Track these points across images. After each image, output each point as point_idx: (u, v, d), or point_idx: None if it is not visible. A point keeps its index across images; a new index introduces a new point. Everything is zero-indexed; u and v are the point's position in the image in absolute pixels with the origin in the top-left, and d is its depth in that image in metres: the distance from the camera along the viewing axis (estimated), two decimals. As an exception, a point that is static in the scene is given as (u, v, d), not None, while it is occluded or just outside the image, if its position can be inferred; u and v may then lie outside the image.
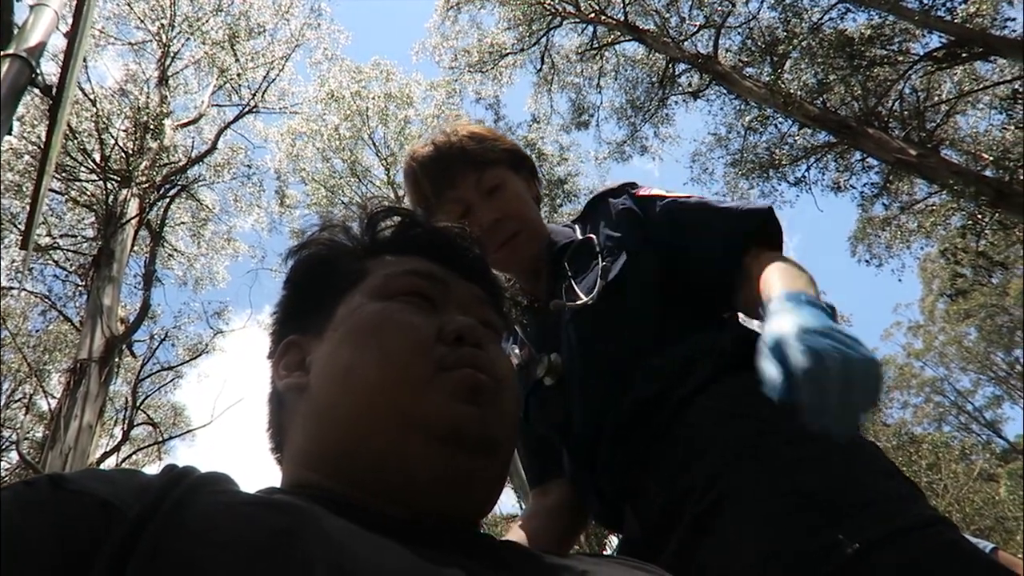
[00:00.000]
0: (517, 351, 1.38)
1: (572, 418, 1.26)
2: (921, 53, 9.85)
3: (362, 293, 0.75)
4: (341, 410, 0.67)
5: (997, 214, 9.09)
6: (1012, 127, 9.50)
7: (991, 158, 9.46)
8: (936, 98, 11.25)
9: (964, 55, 9.10)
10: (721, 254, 1.22)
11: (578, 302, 1.26)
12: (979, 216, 9.48)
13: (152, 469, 0.57)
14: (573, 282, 1.30)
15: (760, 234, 1.22)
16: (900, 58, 10.21)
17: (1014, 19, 9.25)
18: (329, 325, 0.74)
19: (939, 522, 0.89)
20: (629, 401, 1.16)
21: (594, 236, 1.35)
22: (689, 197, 1.32)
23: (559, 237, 1.41)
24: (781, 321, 0.86)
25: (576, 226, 1.42)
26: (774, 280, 1.05)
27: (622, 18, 12.84)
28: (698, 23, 12.55)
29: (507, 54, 14.95)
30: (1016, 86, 9.30)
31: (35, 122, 10.58)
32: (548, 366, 1.29)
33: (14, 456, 13.12)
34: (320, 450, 0.68)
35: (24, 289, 12.24)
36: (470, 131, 1.41)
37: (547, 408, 1.32)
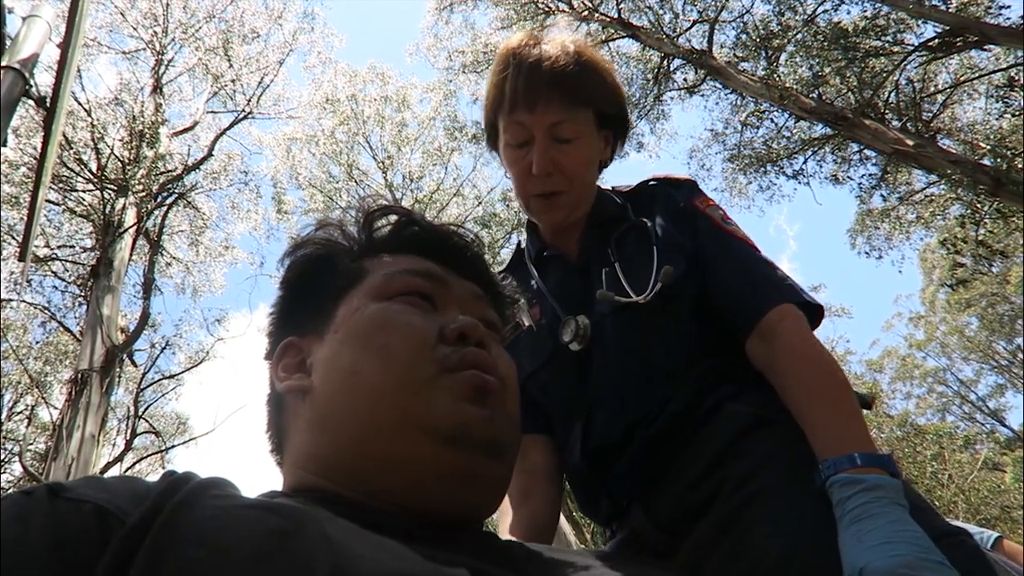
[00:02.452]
0: (527, 309, 1.29)
1: (594, 415, 1.20)
2: (916, 43, 9.83)
3: (362, 293, 0.74)
4: (346, 413, 0.67)
5: (996, 202, 9.08)
6: (1009, 115, 9.49)
7: (988, 147, 9.44)
8: (932, 88, 11.23)
9: (959, 44, 9.08)
10: (740, 311, 1.16)
11: (628, 299, 1.18)
12: (978, 205, 9.46)
13: (155, 478, 0.57)
14: (619, 270, 1.22)
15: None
16: (895, 48, 10.19)
17: (1009, 6, 9.23)
18: (329, 326, 0.74)
19: (962, 532, 0.93)
20: (666, 414, 1.13)
21: (648, 222, 1.27)
22: (743, 240, 1.25)
23: (605, 203, 1.33)
24: (868, 540, 0.83)
25: (628, 204, 1.33)
26: (821, 416, 1.01)
27: (615, 15, 12.83)
28: (692, 18, 12.53)
29: (501, 54, 14.91)
30: (1012, 74, 9.28)
31: (30, 133, 10.57)
32: (576, 330, 1.21)
33: (17, 468, 13.12)
34: (324, 453, 0.68)
35: (23, 301, 12.23)
36: (587, 58, 1.24)
37: (563, 386, 1.25)
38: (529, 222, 1.40)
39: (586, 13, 13.23)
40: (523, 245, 1.44)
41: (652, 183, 1.36)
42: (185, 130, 12.93)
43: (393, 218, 0.84)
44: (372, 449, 0.65)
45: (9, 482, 13.37)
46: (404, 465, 0.63)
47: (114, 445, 12.75)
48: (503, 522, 1.24)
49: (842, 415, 1.00)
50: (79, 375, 8.65)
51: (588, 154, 1.26)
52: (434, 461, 0.63)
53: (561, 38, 1.25)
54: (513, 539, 0.74)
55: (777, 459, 1.00)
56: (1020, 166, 8.42)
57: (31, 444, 14.31)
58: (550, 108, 1.20)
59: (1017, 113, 9.23)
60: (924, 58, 9.90)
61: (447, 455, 0.63)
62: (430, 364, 0.67)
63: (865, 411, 1.13)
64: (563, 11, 13.51)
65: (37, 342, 14.10)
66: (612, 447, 1.18)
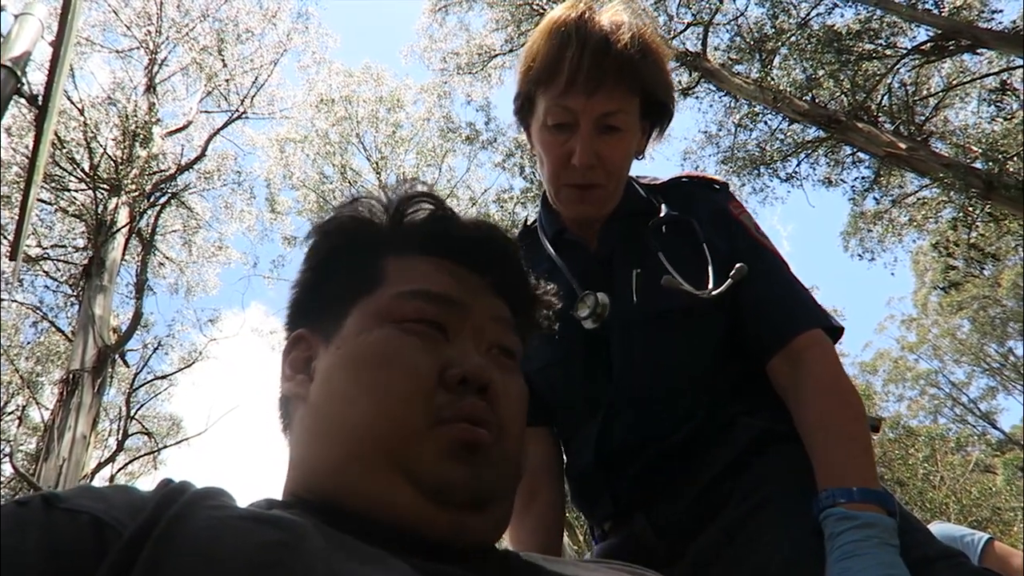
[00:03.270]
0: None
1: (614, 418, 1.17)
2: (909, 47, 9.88)
3: (372, 309, 0.72)
4: (336, 439, 0.66)
5: (988, 206, 9.12)
6: (1000, 119, 9.54)
7: (980, 150, 9.49)
8: (925, 91, 11.28)
9: (952, 48, 9.13)
10: (769, 329, 1.14)
11: (697, 292, 1.11)
12: (970, 208, 9.51)
13: (148, 479, 0.57)
14: (664, 260, 1.14)
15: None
16: (888, 52, 10.24)
17: (1001, 11, 9.35)
18: (337, 334, 0.72)
19: (960, 554, 0.94)
20: (686, 427, 1.12)
21: (692, 220, 1.21)
22: (775, 254, 1.22)
23: (631, 195, 1.26)
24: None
25: (658, 197, 1.26)
26: (829, 447, 1.00)
27: (610, 17, 12.84)
28: (686, 21, 12.55)
29: (496, 55, 14.93)
30: (1004, 78, 9.34)
31: (22, 132, 10.52)
32: (594, 307, 1.14)
33: (7, 468, 13.05)
34: (316, 467, 0.67)
35: (15, 300, 12.16)
36: (649, 40, 1.14)
37: (572, 384, 1.21)
38: (545, 200, 1.31)
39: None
40: (531, 222, 1.37)
41: (686, 180, 1.31)
42: (178, 130, 12.89)
43: (428, 209, 0.78)
44: (357, 485, 0.64)
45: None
46: (389, 506, 0.62)
47: (106, 446, 12.71)
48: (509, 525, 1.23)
49: (850, 448, 0.99)
50: (70, 375, 8.62)
51: (631, 146, 1.19)
52: (416, 511, 0.62)
53: (620, 15, 1.14)
54: (510, 549, 0.72)
55: (787, 472, 1.01)
56: (1012, 170, 8.46)
57: (22, 445, 14.23)
58: (611, 97, 1.11)
59: (1009, 117, 9.29)
60: (917, 61, 9.95)
61: (431, 509, 0.62)
62: (424, 414, 0.65)
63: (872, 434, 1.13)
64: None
65: (28, 342, 14.04)
66: (627, 452, 1.16)
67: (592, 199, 1.19)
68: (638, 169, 1.29)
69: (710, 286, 1.11)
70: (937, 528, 2.74)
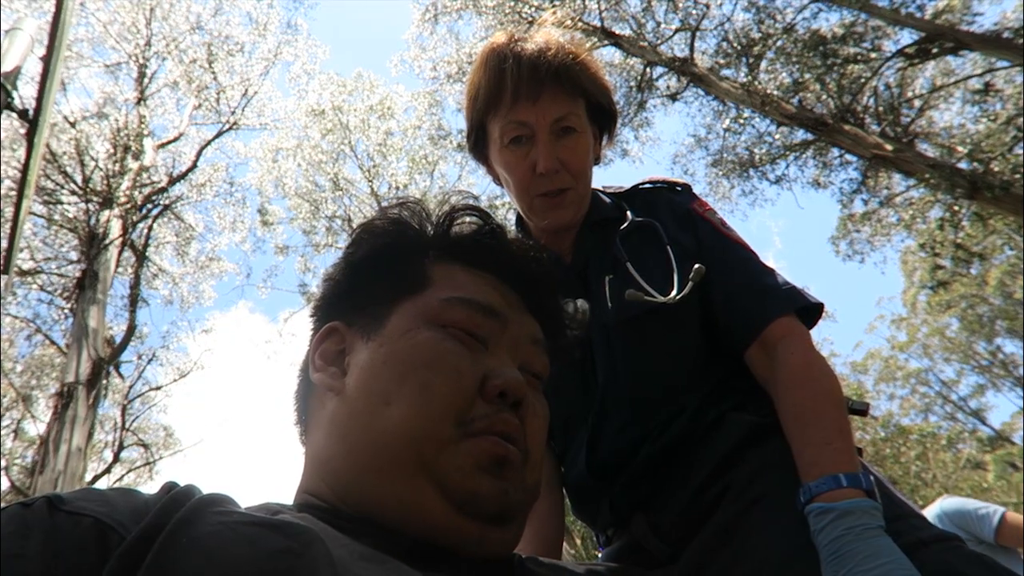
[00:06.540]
0: None
1: (601, 428, 1.18)
2: (893, 50, 9.95)
3: (417, 310, 0.72)
4: (368, 437, 0.66)
5: (973, 205, 9.19)
6: (985, 119, 9.62)
7: (965, 150, 9.57)
8: (910, 93, 11.37)
9: (935, 50, 9.20)
10: (742, 320, 1.14)
11: (659, 299, 1.11)
12: (956, 208, 9.57)
13: (146, 490, 0.57)
14: (632, 269, 1.16)
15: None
16: (873, 55, 10.31)
17: (982, 13, 9.45)
18: (378, 332, 0.72)
19: (955, 537, 0.93)
20: (673, 428, 1.12)
21: (657, 224, 1.22)
22: (743, 246, 1.22)
23: (599, 203, 1.28)
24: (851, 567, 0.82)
25: (623, 204, 1.28)
26: (805, 439, 0.98)
27: (598, 24, 12.92)
28: (673, 27, 12.62)
29: (486, 63, 14.89)
30: (988, 79, 9.43)
31: (14, 146, 10.52)
32: (573, 313, 1.15)
33: (3, 482, 13.01)
34: (339, 467, 0.67)
35: (8, 314, 12.14)
36: (577, 49, 1.21)
37: (562, 395, 1.17)
38: (519, 221, 1.33)
39: (568, 22, 13.29)
40: None
41: (649, 185, 1.32)
42: (169, 142, 12.89)
43: (476, 222, 0.79)
44: (384, 485, 0.64)
45: (-6, 497, 13.23)
46: (414, 510, 0.63)
47: (101, 458, 12.67)
48: None
49: (822, 436, 0.97)
50: (65, 388, 8.60)
51: (589, 146, 1.22)
52: (440, 518, 0.62)
53: (548, 35, 1.22)
54: (513, 553, 0.73)
55: (779, 465, 1.00)
56: (996, 170, 8.54)
57: (17, 458, 14.17)
58: (556, 100, 1.16)
59: (993, 117, 9.37)
60: (901, 64, 10.03)
61: (455, 518, 0.63)
62: (461, 422, 0.65)
63: (861, 417, 1.12)
64: (546, 21, 13.53)
65: (23, 355, 13.99)
66: (618, 457, 1.16)
67: (565, 203, 1.20)
68: (625, 175, 1.33)
69: (674, 291, 1.12)
70: (951, 502, 2.81)
